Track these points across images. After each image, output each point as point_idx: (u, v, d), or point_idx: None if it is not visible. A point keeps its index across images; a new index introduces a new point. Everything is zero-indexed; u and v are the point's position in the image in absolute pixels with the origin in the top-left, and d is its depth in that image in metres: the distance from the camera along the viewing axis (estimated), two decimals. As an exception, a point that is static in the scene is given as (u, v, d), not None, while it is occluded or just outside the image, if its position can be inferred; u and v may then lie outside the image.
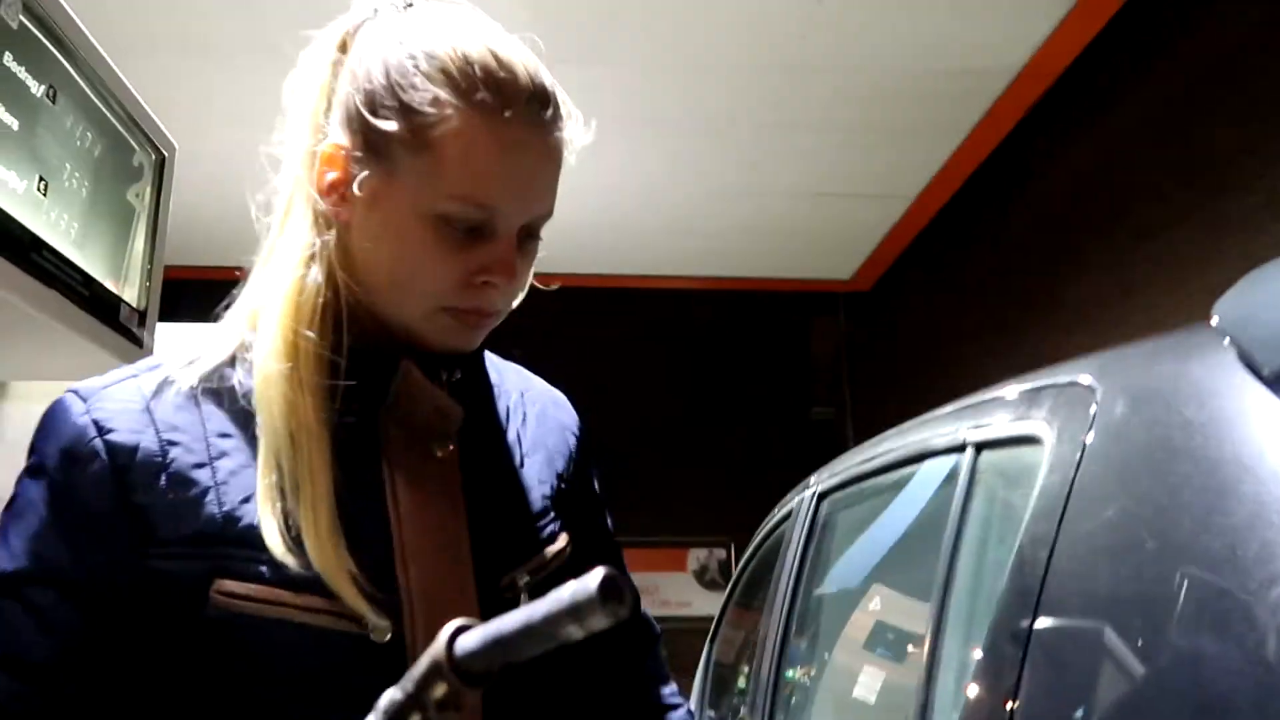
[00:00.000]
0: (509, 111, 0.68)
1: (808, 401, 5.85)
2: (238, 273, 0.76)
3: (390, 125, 0.68)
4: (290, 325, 0.70)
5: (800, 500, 1.81)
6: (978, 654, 0.95)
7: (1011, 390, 1.09)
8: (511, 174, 0.69)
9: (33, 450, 0.70)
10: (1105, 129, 7.37)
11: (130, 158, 1.34)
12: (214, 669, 0.66)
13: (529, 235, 0.73)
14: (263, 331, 0.71)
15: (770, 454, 5.42)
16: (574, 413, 0.92)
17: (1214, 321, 0.80)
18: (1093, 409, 0.89)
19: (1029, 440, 0.99)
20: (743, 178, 4.68)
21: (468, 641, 0.45)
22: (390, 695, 0.46)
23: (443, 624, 0.65)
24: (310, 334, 0.70)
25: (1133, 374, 0.88)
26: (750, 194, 4.85)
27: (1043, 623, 0.85)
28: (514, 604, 0.72)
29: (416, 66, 0.68)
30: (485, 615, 0.68)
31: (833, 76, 4.37)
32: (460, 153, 0.67)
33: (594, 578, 0.39)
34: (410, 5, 0.74)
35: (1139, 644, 0.76)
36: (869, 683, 1.38)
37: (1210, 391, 0.77)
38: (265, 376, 0.69)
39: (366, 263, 0.71)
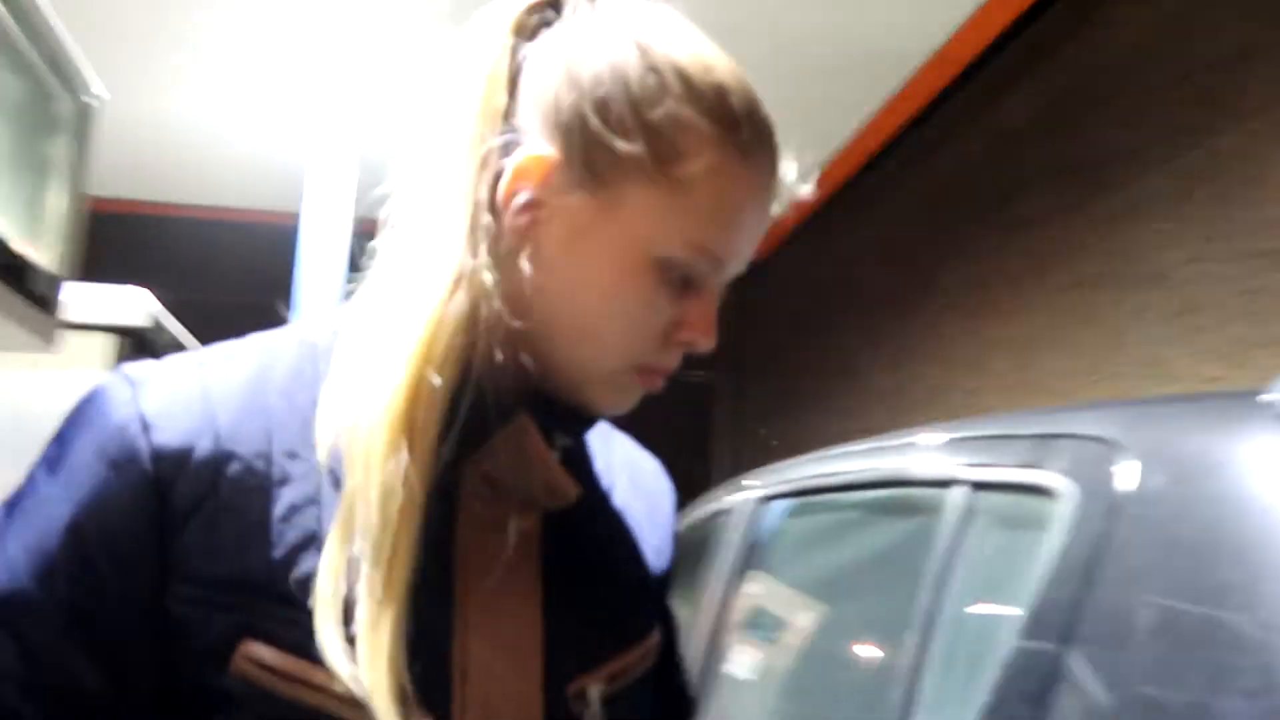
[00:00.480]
0: (762, 154, 0.59)
1: (683, 364, 5.94)
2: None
3: (630, 147, 0.56)
4: (419, 365, 0.54)
5: (739, 501, 1.79)
6: (974, 704, 0.94)
7: (1015, 429, 1.08)
8: (749, 226, 0.60)
9: (58, 438, 0.57)
10: (996, 122, 7.66)
11: (51, 106, 1.16)
12: None
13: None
14: (372, 359, 0.56)
15: (640, 413, 5.43)
16: (669, 482, 0.80)
17: (1269, 398, 0.80)
18: (1119, 468, 0.88)
19: (1039, 490, 0.98)
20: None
21: None
22: None
23: None
24: (437, 380, 0.55)
25: (1167, 438, 0.87)
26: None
27: (1063, 683, 0.84)
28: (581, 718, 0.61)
29: (664, 83, 0.57)
30: None
31: (746, 45, 4.33)
32: (713, 196, 0.57)
33: None
34: None
35: (1167, 706, 0.76)
36: (827, 716, 1.38)
37: (1260, 473, 0.76)
38: (369, 423, 0.54)
39: (551, 304, 0.58)
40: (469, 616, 0.58)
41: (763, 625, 1.62)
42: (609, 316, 0.58)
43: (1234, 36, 5.54)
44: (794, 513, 1.68)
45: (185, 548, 0.54)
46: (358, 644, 0.52)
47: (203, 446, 0.55)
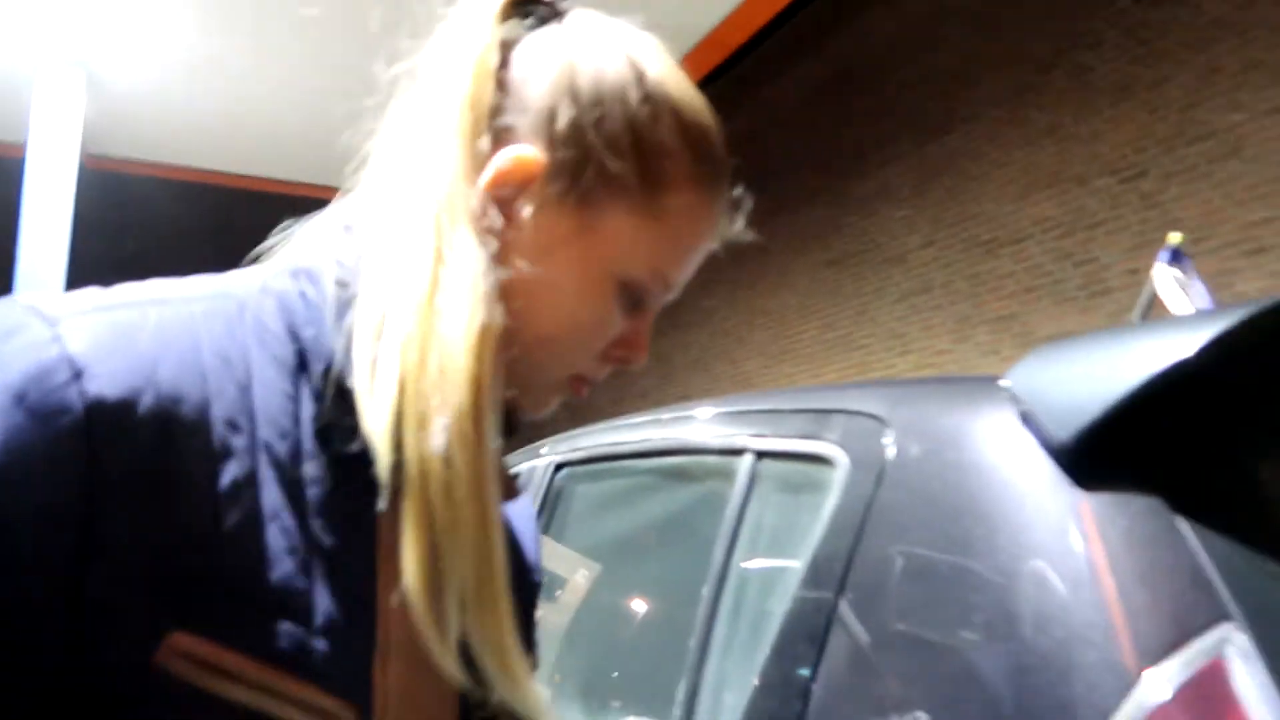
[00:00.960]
0: (724, 196, 0.62)
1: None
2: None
3: (621, 167, 0.58)
4: (481, 388, 0.53)
5: (533, 468, 1.85)
6: (762, 648, 1.07)
7: (797, 404, 1.22)
8: (698, 259, 0.63)
9: None
10: (762, 104, 8.05)
11: None
12: None
13: None
14: (432, 350, 0.52)
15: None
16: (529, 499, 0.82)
17: (1005, 384, 0.96)
18: (886, 440, 1.03)
19: (818, 459, 1.11)
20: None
21: None
22: None
23: None
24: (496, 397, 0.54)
25: (925, 414, 1.03)
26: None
27: (837, 625, 0.98)
28: None
29: (659, 112, 0.59)
30: None
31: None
32: (683, 229, 0.60)
33: None
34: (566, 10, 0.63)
35: (920, 642, 0.91)
36: (626, 667, 1.48)
37: (996, 444, 0.92)
38: (453, 413, 0.51)
39: (514, 305, 0.56)
40: (391, 615, 0.56)
41: (553, 586, 1.71)
42: (570, 326, 0.59)
43: (964, 47, 6.15)
44: (590, 478, 1.77)
45: (114, 521, 0.47)
46: (491, 660, 0.52)
47: (145, 403, 0.48)
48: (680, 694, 1.21)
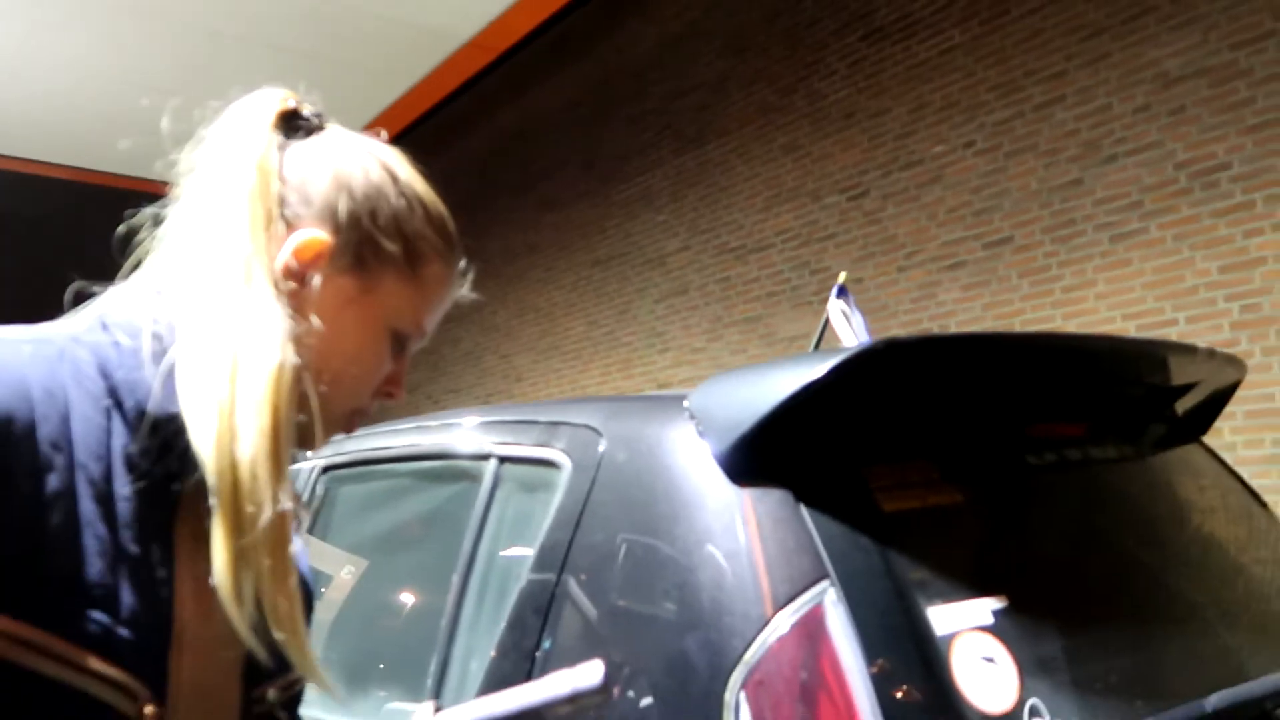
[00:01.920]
0: (458, 264, 0.83)
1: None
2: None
3: (392, 247, 0.76)
4: (279, 412, 0.66)
5: (300, 470, 1.96)
6: (500, 623, 1.28)
7: (533, 416, 1.43)
8: (443, 312, 0.83)
9: None
10: (530, 106, 8.20)
11: None
12: None
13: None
14: (234, 397, 0.65)
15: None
16: None
17: (686, 404, 1.21)
18: (600, 448, 1.26)
19: (548, 463, 1.33)
20: (181, 78, 4.41)
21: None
22: None
23: None
24: (296, 419, 0.69)
25: (629, 426, 1.27)
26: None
27: (560, 600, 1.21)
28: (266, 718, 0.74)
29: (412, 205, 0.78)
30: None
31: (291, 6, 4.29)
32: (435, 290, 0.80)
33: (595, 669, 0.50)
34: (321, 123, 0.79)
35: (624, 609, 1.15)
36: (387, 650, 1.64)
37: (680, 451, 1.18)
38: (251, 455, 0.64)
39: (310, 354, 0.71)
40: (186, 611, 0.68)
41: (320, 584, 1.84)
42: (356, 366, 0.76)
43: (717, 66, 6.60)
44: (354, 480, 1.91)
45: None
46: (284, 631, 0.66)
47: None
48: (433, 666, 1.40)
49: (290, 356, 0.68)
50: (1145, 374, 1.51)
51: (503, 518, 1.43)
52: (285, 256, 0.72)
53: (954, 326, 4.72)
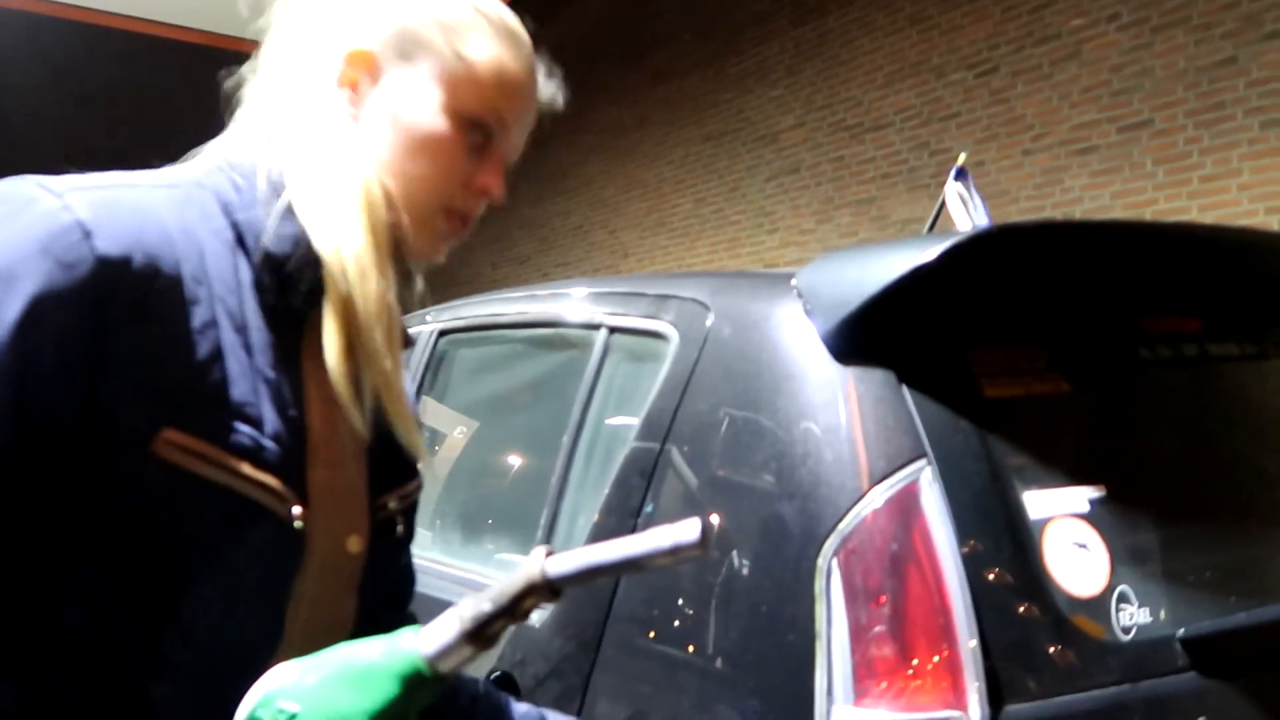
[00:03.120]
0: (525, 57, 0.82)
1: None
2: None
3: (434, 36, 0.78)
4: (374, 210, 0.74)
5: (417, 333, 2.06)
6: (606, 485, 1.35)
7: (642, 288, 1.47)
8: (519, 110, 0.82)
9: None
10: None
11: None
12: (124, 518, 0.66)
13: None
14: (338, 221, 0.73)
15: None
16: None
17: (794, 282, 1.23)
18: (708, 321, 1.30)
19: (656, 335, 1.38)
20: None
21: (561, 566, 0.58)
22: (476, 606, 0.57)
23: (337, 527, 0.78)
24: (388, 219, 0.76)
25: (737, 302, 1.30)
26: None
27: (663, 466, 1.27)
28: (389, 524, 0.82)
29: (461, 13, 0.79)
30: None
31: None
32: (490, 73, 0.79)
33: (694, 525, 0.53)
34: None
35: (724, 478, 1.21)
36: (498, 505, 1.75)
37: (786, 328, 1.20)
38: (355, 250, 0.72)
39: (396, 152, 0.77)
40: (317, 426, 0.75)
41: (434, 441, 1.96)
42: (427, 157, 0.77)
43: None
44: (469, 344, 2.00)
45: (116, 349, 0.65)
46: (394, 416, 0.76)
47: (137, 259, 0.66)
48: (543, 520, 1.49)
49: (366, 162, 0.76)
50: (1274, 269, 1.45)
51: (610, 385, 1.49)
52: (338, 73, 0.78)
53: (1079, 215, 4.52)
